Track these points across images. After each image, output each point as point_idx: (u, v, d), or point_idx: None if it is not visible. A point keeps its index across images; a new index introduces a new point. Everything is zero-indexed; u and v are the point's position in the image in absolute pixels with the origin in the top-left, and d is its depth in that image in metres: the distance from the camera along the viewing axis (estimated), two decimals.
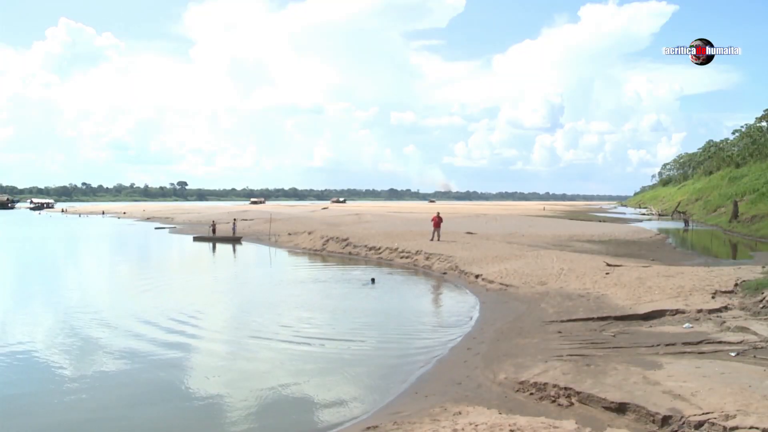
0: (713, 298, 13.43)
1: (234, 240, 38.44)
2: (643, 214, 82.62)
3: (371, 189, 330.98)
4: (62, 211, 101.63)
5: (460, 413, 7.49)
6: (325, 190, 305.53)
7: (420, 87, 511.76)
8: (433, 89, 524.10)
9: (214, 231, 41.28)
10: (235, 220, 44.79)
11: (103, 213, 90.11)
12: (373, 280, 20.27)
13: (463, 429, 6.55)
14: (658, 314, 12.48)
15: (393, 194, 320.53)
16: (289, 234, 37.84)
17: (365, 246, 29.18)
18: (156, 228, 54.81)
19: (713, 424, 6.35)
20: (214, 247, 35.75)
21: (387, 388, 9.46)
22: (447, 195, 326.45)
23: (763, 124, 73.17)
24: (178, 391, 9.46)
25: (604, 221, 56.51)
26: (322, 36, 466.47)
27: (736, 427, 6.18)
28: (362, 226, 40.53)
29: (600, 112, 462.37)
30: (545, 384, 8.35)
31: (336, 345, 12.18)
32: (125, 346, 11.96)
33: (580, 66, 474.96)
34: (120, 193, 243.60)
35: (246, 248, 35.18)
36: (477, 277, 19.59)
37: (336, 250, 30.07)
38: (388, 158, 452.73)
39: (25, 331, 13.42)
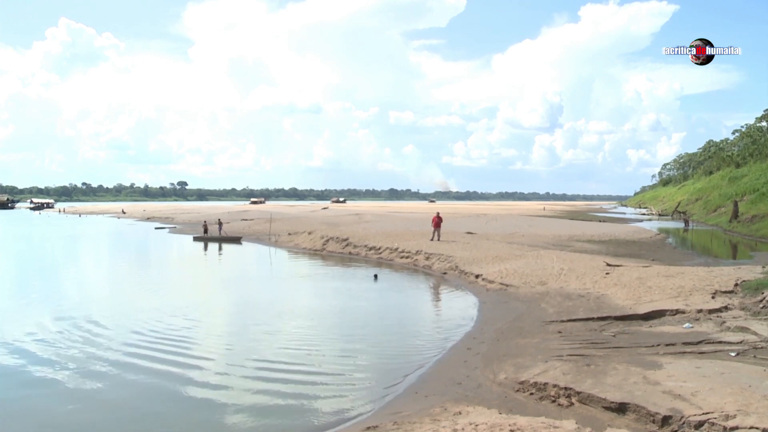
0: (713, 298, 13.43)
1: (234, 240, 38.45)
2: (643, 214, 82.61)
3: (371, 189, 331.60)
4: (62, 211, 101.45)
5: (460, 413, 7.49)
6: (325, 190, 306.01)
7: (419, 87, 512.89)
8: (432, 89, 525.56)
9: (205, 231, 41.18)
10: (219, 220, 44.56)
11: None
12: (376, 276, 20.60)
13: (463, 429, 6.55)
14: (658, 314, 12.49)
15: (393, 194, 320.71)
16: (289, 234, 37.83)
17: (365, 246, 29.18)
18: (156, 228, 54.79)
19: (713, 424, 6.35)
20: (211, 247, 35.71)
21: (387, 388, 9.44)
22: (447, 195, 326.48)
23: (763, 124, 73.32)
24: (176, 392, 9.44)
25: (604, 221, 56.50)
26: (322, 35, 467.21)
27: (736, 427, 6.18)
28: (362, 226, 40.53)
29: (599, 111, 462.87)
30: (545, 384, 8.35)
31: (335, 344, 12.20)
32: (120, 347, 11.90)
33: (580, 66, 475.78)
34: (120, 193, 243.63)
35: (246, 248, 35.16)
36: (477, 277, 19.59)
37: (336, 250, 30.06)
38: (387, 158, 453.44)
39: (21, 331, 13.38)
